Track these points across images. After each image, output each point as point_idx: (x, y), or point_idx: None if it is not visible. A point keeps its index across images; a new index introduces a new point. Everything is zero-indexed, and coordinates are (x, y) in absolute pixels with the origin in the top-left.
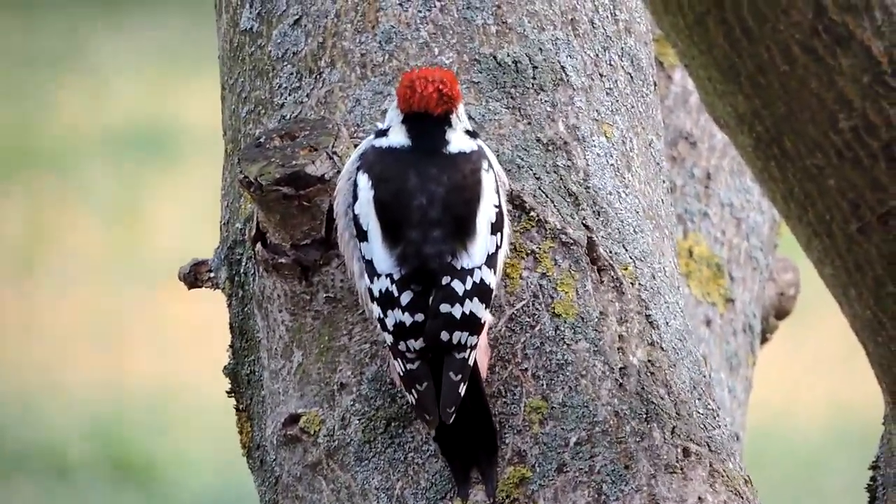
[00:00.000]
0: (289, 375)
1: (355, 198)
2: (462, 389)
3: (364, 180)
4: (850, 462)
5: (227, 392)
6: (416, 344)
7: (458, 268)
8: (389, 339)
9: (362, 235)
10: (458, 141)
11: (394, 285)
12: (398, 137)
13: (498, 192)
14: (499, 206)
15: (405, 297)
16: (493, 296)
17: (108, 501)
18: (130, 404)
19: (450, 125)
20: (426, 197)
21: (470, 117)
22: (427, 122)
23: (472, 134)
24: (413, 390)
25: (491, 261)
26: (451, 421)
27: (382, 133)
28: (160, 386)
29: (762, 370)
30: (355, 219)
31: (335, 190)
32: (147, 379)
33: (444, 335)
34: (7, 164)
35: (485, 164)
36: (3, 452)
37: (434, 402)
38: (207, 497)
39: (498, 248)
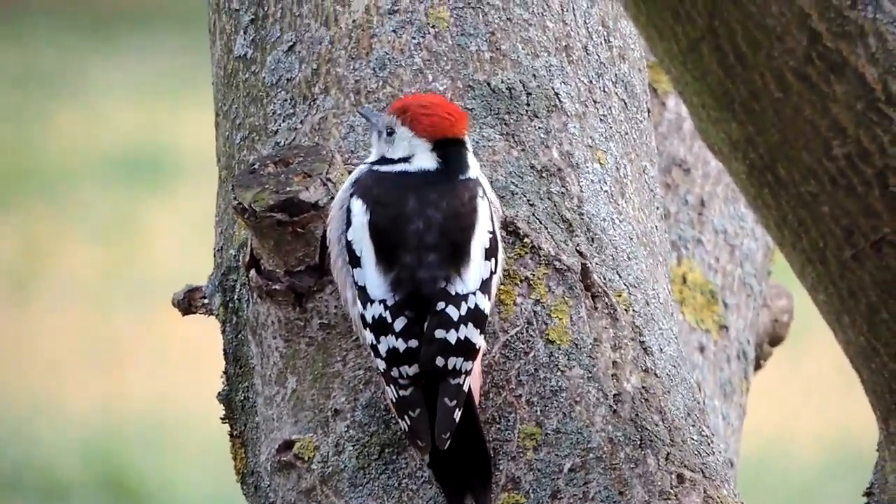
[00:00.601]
0: (283, 402)
1: (348, 224)
2: (457, 415)
3: (358, 205)
4: (845, 488)
5: (222, 418)
6: (410, 370)
7: (453, 293)
8: (382, 365)
9: (355, 262)
10: (472, 164)
11: (387, 311)
12: (425, 163)
13: (492, 218)
14: (493, 233)
15: (399, 324)
16: (487, 321)
17: None
18: (125, 426)
19: (466, 147)
20: (423, 222)
21: None
22: (453, 145)
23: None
24: (406, 417)
25: (485, 286)
26: (445, 447)
27: (396, 161)
28: (155, 408)
29: (755, 397)
30: (348, 245)
31: (329, 217)
32: (142, 401)
33: (440, 361)
34: (2, 187)
35: (480, 192)
36: None
37: (427, 429)
38: None
39: (492, 273)
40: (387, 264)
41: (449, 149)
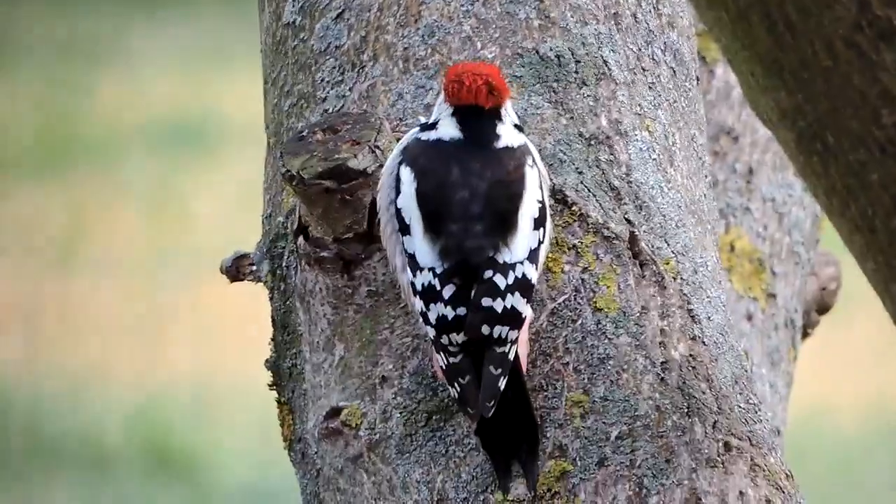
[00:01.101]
0: (330, 369)
1: (398, 192)
2: (502, 384)
3: (407, 174)
4: (891, 457)
5: (269, 385)
6: (459, 338)
7: (500, 262)
8: (432, 332)
9: (405, 229)
10: (507, 135)
11: (436, 279)
12: (448, 130)
13: (541, 187)
14: (542, 202)
15: (447, 291)
16: (534, 291)
17: (148, 493)
18: (171, 397)
19: (500, 119)
20: (468, 191)
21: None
22: (478, 115)
23: (519, 129)
24: (456, 384)
25: (533, 256)
26: (489, 415)
27: (429, 126)
28: (199, 377)
29: (800, 365)
30: (398, 213)
31: (378, 184)
32: (186, 370)
33: (485, 329)
34: (47, 157)
35: (529, 160)
36: (44, 444)
37: (476, 396)
38: (247, 489)
39: (540, 243)
40: (434, 233)
41: (470, 117)
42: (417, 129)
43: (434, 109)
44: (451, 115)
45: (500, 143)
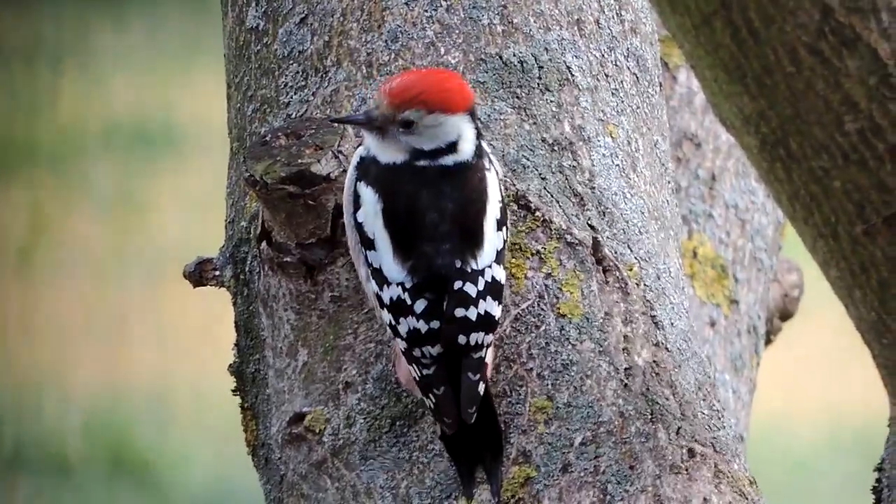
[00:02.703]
0: (294, 374)
1: (357, 206)
2: (481, 388)
3: (369, 192)
4: (847, 464)
5: (233, 390)
6: (434, 350)
7: (469, 270)
8: (403, 345)
9: (368, 243)
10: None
11: (406, 293)
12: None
13: (500, 188)
14: (502, 201)
15: (419, 305)
16: (503, 290)
17: (109, 498)
18: (131, 401)
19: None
20: (437, 213)
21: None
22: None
23: (478, 134)
24: (430, 395)
25: (500, 257)
26: (472, 420)
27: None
28: (161, 382)
29: (760, 371)
30: (359, 226)
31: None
32: (147, 375)
33: (462, 339)
34: (6, 159)
35: (486, 163)
36: (2, 448)
37: (453, 405)
38: (209, 494)
39: (505, 241)
40: (403, 251)
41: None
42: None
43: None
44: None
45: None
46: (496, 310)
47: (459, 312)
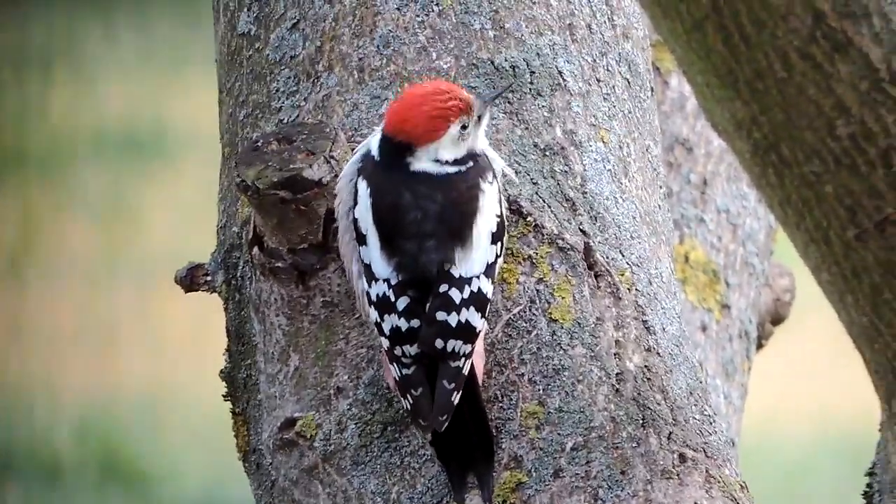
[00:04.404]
0: (285, 379)
1: (356, 202)
2: (455, 398)
3: (364, 187)
4: (837, 469)
5: (224, 396)
6: (412, 349)
7: (457, 276)
8: (386, 343)
9: (361, 239)
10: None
11: (391, 290)
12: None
13: (500, 201)
14: (500, 216)
15: (402, 303)
16: (489, 304)
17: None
18: (121, 407)
19: (412, 155)
20: (420, 212)
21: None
22: (395, 146)
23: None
24: (408, 395)
25: (489, 270)
26: (443, 429)
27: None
28: (152, 389)
29: (753, 375)
30: (355, 222)
31: (337, 189)
32: (138, 380)
33: (439, 343)
34: None
35: (489, 176)
36: None
37: (429, 408)
38: (198, 500)
39: (498, 256)
40: (390, 247)
41: (391, 148)
42: (370, 140)
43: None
44: (379, 145)
45: (443, 170)
46: (478, 321)
47: (441, 315)
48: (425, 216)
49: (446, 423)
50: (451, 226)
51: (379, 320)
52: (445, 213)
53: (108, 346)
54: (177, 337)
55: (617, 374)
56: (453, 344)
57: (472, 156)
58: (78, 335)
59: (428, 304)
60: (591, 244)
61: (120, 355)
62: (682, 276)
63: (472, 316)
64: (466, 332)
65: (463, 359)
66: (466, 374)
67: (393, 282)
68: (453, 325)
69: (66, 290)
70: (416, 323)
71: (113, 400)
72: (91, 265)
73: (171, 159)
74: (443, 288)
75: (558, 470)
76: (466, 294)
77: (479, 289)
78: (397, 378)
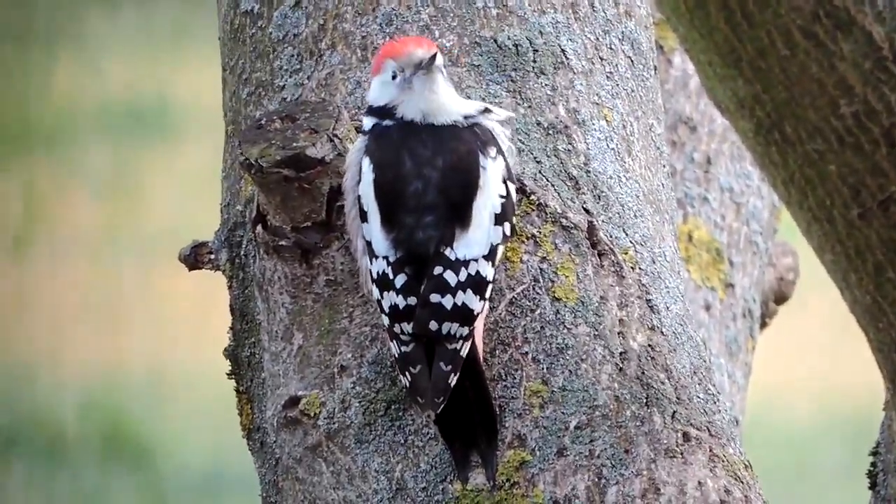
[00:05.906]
0: (289, 358)
1: (360, 178)
2: (452, 380)
3: (366, 163)
4: (842, 447)
5: (228, 374)
6: (409, 327)
7: (452, 259)
8: (386, 320)
9: (364, 216)
10: (450, 100)
11: (389, 267)
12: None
13: (506, 181)
14: (506, 196)
15: (399, 280)
16: (489, 286)
17: (103, 479)
18: (125, 383)
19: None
20: (421, 182)
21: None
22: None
23: (487, 111)
24: (407, 373)
25: (492, 253)
26: (439, 410)
27: (384, 112)
28: (155, 365)
29: (755, 355)
30: (359, 199)
31: (346, 164)
32: (142, 357)
33: (433, 325)
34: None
35: (491, 151)
36: None
37: (427, 386)
38: (203, 476)
39: (506, 237)
40: (389, 223)
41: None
42: (373, 117)
43: (375, 90)
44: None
45: (446, 116)
46: (476, 304)
47: (435, 298)
48: (427, 186)
49: (442, 406)
50: (451, 199)
51: (379, 297)
52: (446, 180)
53: (112, 323)
54: (180, 313)
55: (621, 352)
56: (449, 326)
57: (488, 110)
58: (81, 311)
59: (423, 286)
60: (595, 223)
61: (124, 332)
62: (686, 255)
63: (469, 299)
64: (463, 315)
65: (460, 341)
66: (465, 355)
67: (391, 259)
68: (448, 307)
69: (69, 267)
70: (413, 300)
71: (116, 376)
72: (95, 241)
73: (173, 136)
74: (437, 270)
75: (562, 449)
76: (463, 277)
77: (478, 271)
78: (396, 355)
